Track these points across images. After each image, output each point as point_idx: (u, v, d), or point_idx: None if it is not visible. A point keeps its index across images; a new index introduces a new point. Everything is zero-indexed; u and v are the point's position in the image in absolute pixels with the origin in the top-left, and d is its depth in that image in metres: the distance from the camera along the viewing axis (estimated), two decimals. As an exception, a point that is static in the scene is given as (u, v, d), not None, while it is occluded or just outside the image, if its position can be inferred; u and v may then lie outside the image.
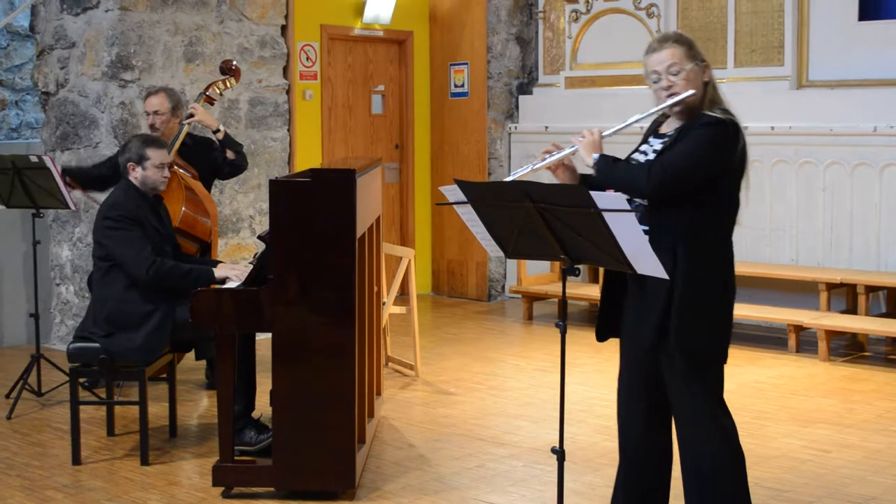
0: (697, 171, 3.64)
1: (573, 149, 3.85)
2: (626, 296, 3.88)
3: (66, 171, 6.62)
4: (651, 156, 3.80)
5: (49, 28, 8.22)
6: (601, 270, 7.32)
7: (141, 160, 5.49)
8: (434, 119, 10.35)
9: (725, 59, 8.82)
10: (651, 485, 4.00)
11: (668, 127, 3.85)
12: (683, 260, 3.67)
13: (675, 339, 3.67)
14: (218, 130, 6.71)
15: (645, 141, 3.90)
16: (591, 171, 3.87)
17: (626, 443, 3.99)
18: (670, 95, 3.74)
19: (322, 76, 9.34)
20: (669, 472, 3.99)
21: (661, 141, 3.81)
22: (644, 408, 3.92)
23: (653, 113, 3.83)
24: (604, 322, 3.96)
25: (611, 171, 3.76)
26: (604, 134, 3.86)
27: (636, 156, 3.85)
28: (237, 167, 6.87)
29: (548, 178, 3.85)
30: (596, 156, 3.79)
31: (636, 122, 3.85)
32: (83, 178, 6.77)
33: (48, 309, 8.15)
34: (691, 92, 3.71)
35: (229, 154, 6.73)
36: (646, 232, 3.73)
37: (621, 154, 3.93)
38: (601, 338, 3.98)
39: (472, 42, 10.03)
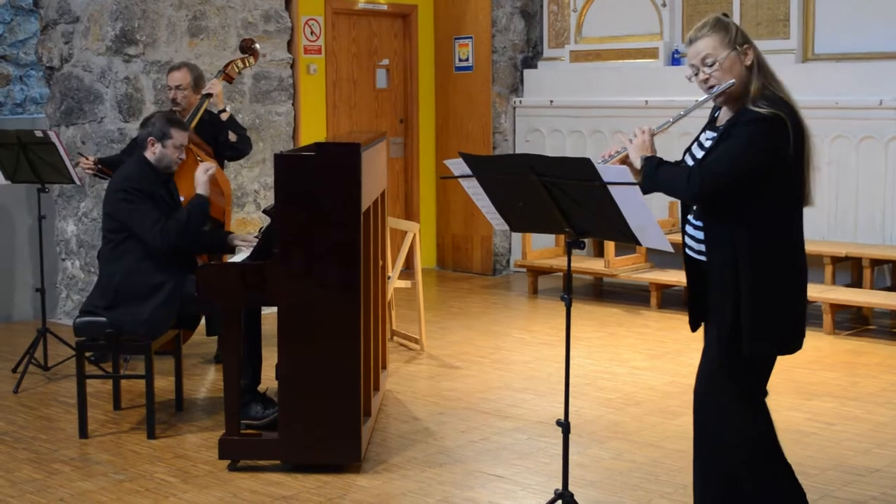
0: (737, 173, 3.50)
1: (624, 151, 3.77)
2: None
3: (101, 161, 6.66)
4: (702, 154, 3.67)
5: (53, 3, 8.20)
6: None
7: (163, 137, 5.49)
8: (438, 93, 10.32)
9: (731, 32, 8.78)
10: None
11: (722, 119, 3.71)
12: (743, 255, 3.54)
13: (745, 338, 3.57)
14: (224, 111, 6.74)
15: (703, 131, 3.78)
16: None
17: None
18: (710, 88, 3.61)
19: (326, 50, 9.31)
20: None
21: (712, 136, 3.67)
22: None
23: (694, 108, 3.72)
24: (695, 309, 3.81)
25: (655, 176, 3.65)
26: (654, 131, 3.76)
27: (694, 148, 3.74)
28: (239, 150, 6.86)
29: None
30: (643, 157, 3.70)
31: (682, 117, 3.78)
32: (117, 166, 6.75)
33: (54, 284, 8.16)
34: (730, 83, 3.57)
35: (231, 136, 6.74)
36: (701, 229, 3.63)
37: (682, 145, 3.84)
38: (695, 327, 3.84)
39: (477, 16, 9.98)
